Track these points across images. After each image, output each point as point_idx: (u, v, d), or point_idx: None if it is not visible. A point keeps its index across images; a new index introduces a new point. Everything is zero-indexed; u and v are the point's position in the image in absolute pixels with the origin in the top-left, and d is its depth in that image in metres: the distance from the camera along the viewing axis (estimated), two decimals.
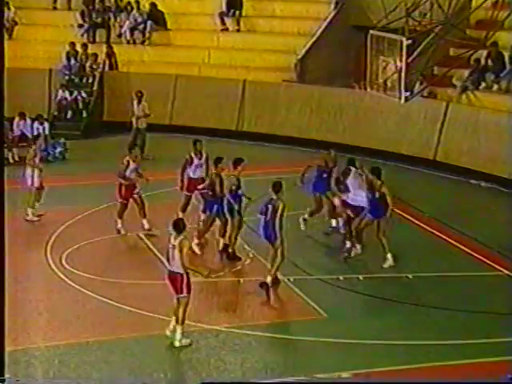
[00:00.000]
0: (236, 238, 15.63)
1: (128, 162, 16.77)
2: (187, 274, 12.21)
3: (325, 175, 16.61)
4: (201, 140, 17.50)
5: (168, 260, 12.37)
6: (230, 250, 15.56)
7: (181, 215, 16.12)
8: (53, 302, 13.88)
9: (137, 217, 17.26)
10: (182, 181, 17.00)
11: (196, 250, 15.67)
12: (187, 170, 16.99)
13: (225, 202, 15.60)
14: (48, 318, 13.27)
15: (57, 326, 13.00)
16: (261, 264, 15.40)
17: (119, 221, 16.67)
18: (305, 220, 16.81)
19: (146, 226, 16.77)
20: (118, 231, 16.68)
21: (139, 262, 15.81)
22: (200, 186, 16.46)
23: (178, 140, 24.34)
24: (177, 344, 12.25)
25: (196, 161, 17.04)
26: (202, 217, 16.51)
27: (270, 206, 14.17)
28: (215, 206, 15.77)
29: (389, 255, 15.17)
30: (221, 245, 15.85)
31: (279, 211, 14.01)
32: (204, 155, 17.14)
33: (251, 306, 13.82)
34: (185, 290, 12.23)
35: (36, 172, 17.75)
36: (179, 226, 12.32)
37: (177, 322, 12.28)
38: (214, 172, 15.84)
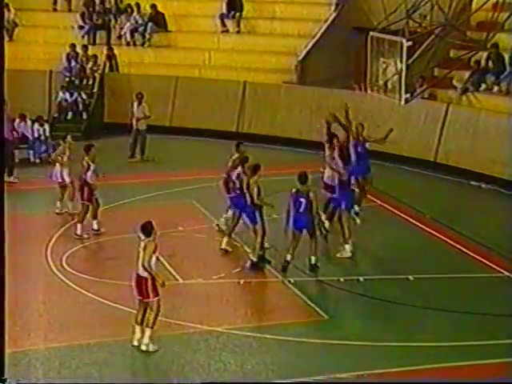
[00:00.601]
0: (263, 242, 15.56)
1: (88, 163, 16.74)
2: (152, 277, 12.03)
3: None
4: (242, 142, 17.26)
5: (137, 263, 12.20)
6: (259, 254, 15.40)
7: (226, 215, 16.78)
8: (53, 304, 13.87)
9: (135, 219, 17.24)
10: (227, 183, 16.37)
11: (228, 248, 16.02)
12: (231, 173, 16.34)
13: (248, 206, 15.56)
14: (48, 320, 13.26)
15: (57, 328, 12.99)
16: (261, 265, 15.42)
17: (81, 225, 16.65)
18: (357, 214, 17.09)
19: (95, 227, 16.90)
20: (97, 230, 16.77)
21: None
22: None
23: (179, 142, 24.40)
24: (143, 348, 12.17)
25: (239, 167, 16.29)
26: (228, 214, 16.70)
27: (301, 199, 14.66)
28: (240, 201, 15.79)
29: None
30: (223, 244, 16.06)
31: (314, 200, 14.74)
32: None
33: (252, 307, 13.82)
34: (151, 295, 12.08)
35: (65, 169, 17.94)
36: (147, 229, 12.22)
37: (147, 325, 12.17)
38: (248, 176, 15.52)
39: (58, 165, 18.17)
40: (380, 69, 18.31)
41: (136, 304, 12.57)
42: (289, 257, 15.05)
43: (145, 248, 12.08)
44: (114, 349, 12.39)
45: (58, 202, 18.02)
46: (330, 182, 16.38)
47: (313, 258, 15.12)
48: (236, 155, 16.47)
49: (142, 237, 12.21)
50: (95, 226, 16.93)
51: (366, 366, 11.75)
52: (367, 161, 17.51)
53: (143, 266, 12.02)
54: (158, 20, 27.67)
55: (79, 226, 16.70)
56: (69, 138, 18.41)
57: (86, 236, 16.64)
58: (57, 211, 17.97)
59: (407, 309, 13.75)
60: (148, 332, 12.16)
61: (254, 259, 15.26)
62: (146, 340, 12.18)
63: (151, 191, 19.39)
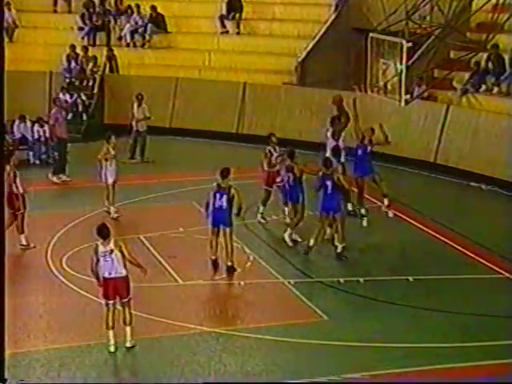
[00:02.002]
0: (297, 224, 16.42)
1: (15, 172, 16.11)
2: (127, 276, 12.22)
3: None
4: (274, 133, 17.94)
5: (107, 268, 12.10)
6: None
7: (261, 209, 17.43)
8: (53, 305, 13.87)
9: (135, 221, 17.30)
10: (268, 175, 17.37)
11: (288, 241, 16.25)
12: (265, 165, 17.39)
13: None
14: (48, 321, 13.26)
15: (57, 329, 12.99)
16: (261, 267, 15.42)
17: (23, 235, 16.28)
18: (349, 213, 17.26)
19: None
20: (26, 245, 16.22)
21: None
22: (278, 179, 16.93)
23: (179, 143, 24.40)
24: (129, 345, 12.27)
25: (275, 154, 17.38)
26: (286, 209, 16.95)
27: (327, 182, 15.43)
28: (299, 194, 16.36)
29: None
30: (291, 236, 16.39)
31: (339, 182, 15.56)
32: (277, 148, 17.51)
33: (251, 308, 13.81)
34: (130, 292, 12.26)
35: (109, 169, 17.83)
36: (104, 232, 12.21)
37: (128, 323, 12.27)
38: (290, 164, 16.39)
39: (102, 165, 17.90)
40: (380, 70, 18.31)
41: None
42: (312, 242, 15.66)
43: (117, 247, 12.12)
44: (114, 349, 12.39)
45: (107, 201, 17.92)
46: None
47: (339, 247, 15.69)
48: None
49: (101, 240, 12.19)
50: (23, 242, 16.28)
51: (365, 366, 11.75)
52: (366, 164, 17.38)
53: (129, 261, 12.18)
54: (157, 21, 27.68)
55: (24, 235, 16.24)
56: (113, 138, 18.13)
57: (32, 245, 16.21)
58: (105, 209, 17.89)
59: (407, 310, 13.74)
60: (128, 330, 12.28)
61: (287, 236, 16.14)
62: (129, 337, 12.28)
63: (151, 192, 19.39)
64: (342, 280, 14.81)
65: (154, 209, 18.39)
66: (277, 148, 17.57)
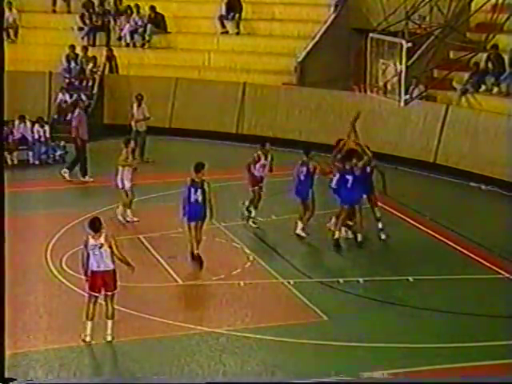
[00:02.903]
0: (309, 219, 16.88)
1: None
2: (115, 269, 12.39)
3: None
4: (268, 142, 18.10)
5: (96, 260, 12.26)
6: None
7: (254, 213, 17.50)
8: (53, 305, 13.87)
9: (138, 220, 17.30)
10: (253, 177, 17.63)
11: (303, 234, 16.67)
12: (252, 168, 17.61)
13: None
14: (48, 321, 13.26)
15: (57, 329, 12.99)
16: (261, 267, 15.43)
17: None
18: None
19: None
20: None
21: (140, 264, 15.72)
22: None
23: (178, 143, 24.39)
24: (109, 339, 12.40)
25: (262, 160, 17.58)
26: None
27: (348, 176, 16.17)
28: (309, 190, 16.74)
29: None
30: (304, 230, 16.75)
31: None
32: (269, 156, 17.68)
33: (251, 308, 13.80)
34: (117, 286, 12.42)
35: (126, 174, 17.67)
36: (95, 225, 12.40)
37: (110, 317, 12.39)
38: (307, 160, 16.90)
39: (119, 170, 17.71)
40: (379, 70, 18.30)
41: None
42: (337, 234, 16.20)
43: (107, 241, 12.25)
44: (115, 350, 12.39)
45: (129, 211, 17.65)
46: None
47: (359, 236, 16.26)
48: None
49: (92, 233, 12.37)
50: None
51: (365, 367, 11.75)
52: (360, 187, 16.55)
53: (113, 259, 12.30)
54: (157, 21, 27.68)
55: None
56: (132, 143, 18.11)
57: None
58: (128, 219, 17.60)
59: (407, 310, 13.74)
60: (110, 323, 12.41)
61: (300, 230, 16.59)
62: (110, 331, 12.42)
63: (151, 193, 19.37)
64: (341, 280, 14.81)
65: (154, 209, 18.38)
66: (268, 156, 17.61)
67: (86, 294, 12.52)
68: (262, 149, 17.73)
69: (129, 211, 17.63)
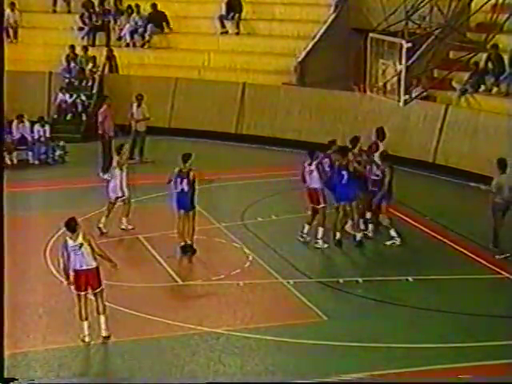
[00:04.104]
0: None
1: None
2: (98, 267, 12.45)
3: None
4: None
5: (77, 260, 12.30)
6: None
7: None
8: (52, 305, 13.85)
9: (134, 221, 17.29)
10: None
11: (358, 235, 16.29)
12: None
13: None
14: (47, 321, 13.26)
15: (56, 329, 12.98)
16: (260, 267, 15.42)
17: None
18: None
19: None
20: None
21: (138, 264, 15.79)
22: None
23: (178, 143, 24.36)
24: (105, 334, 12.45)
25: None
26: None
27: (343, 172, 15.82)
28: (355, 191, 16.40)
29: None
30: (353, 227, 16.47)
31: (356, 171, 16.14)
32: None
33: (251, 308, 13.80)
34: (102, 282, 12.49)
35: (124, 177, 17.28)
36: (71, 225, 12.40)
37: (102, 313, 12.47)
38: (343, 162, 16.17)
39: (117, 175, 17.12)
40: (379, 70, 18.31)
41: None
42: (358, 235, 16.11)
43: (86, 240, 12.30)
44: (113, 350, 12.39)
45: (125, 219, 17.23)
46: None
47: (358, 235, 16.09)
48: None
49: (69, 234, 12.39)
50: None
51: (365, 367, 11.75)
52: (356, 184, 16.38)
53: (99, 255, 12.40)
54: (157, 19, 27.63)
55: None
56: (126, 147, 17.74)
57: None
58: (122, 227, 17.21)
59: (407, 310, 13.74)
60: (103, 319, 12.49)
61: (358, 237, 16.19)
62: (104, 326, 12.49)
63: (150, 193, 19.37)
64: (341, 280, 14.81)
65: (153, 209, 18.37)
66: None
67: (75, 295, 12.49)
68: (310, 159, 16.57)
69: (125, 219, 17.28)
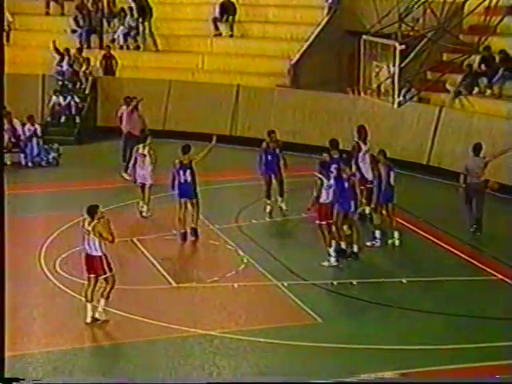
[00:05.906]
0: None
1: None
2: (105, 255, 12.95)
3: None
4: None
5: (85, 244, 12.95)
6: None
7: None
8: (47, 308, 13.84)
9: (129, 223, 17.29)
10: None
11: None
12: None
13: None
14: (42, 324, 13.24)
15: (51, 332, 12.96)
16: (255, 269, 15.42)
17: None
18: None
19: None
20: None
21: (133, 267, 15.78)
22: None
23: (172, 145, 24.31)
24: (97, 315, 12.87)
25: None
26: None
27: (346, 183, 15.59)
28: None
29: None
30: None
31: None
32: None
33: (245, 311, 13.80)
34: (107, 270, 12.98)
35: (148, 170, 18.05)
36: (90, 211, 12.99)
37: (102, 296, 13.00)
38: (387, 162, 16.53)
39: (146, 165, 18.07)
40: (373, 72, 18.35)
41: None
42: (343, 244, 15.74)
43: (94, 230, 12.80)
44: (109, 353, 12.38)
45: (145, 206, 18.02)
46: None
47: (355, 246, 15.75)
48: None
49: (88, 219, 12.96)
50: None
51: (360, 369, 11.76)
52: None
53: (100, 246, 12.87)
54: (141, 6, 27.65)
55: None
56: (149, 138, 18.48)
57: None
58: (144, 215, 18.00)
59: (401, 312, 13.75)
60: (103, 302, 12.98)
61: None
62: (100, 308, 12.97)
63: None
64: (335, 282, 14.82)
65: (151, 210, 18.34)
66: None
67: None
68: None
69: (145, 207, 17.94)
